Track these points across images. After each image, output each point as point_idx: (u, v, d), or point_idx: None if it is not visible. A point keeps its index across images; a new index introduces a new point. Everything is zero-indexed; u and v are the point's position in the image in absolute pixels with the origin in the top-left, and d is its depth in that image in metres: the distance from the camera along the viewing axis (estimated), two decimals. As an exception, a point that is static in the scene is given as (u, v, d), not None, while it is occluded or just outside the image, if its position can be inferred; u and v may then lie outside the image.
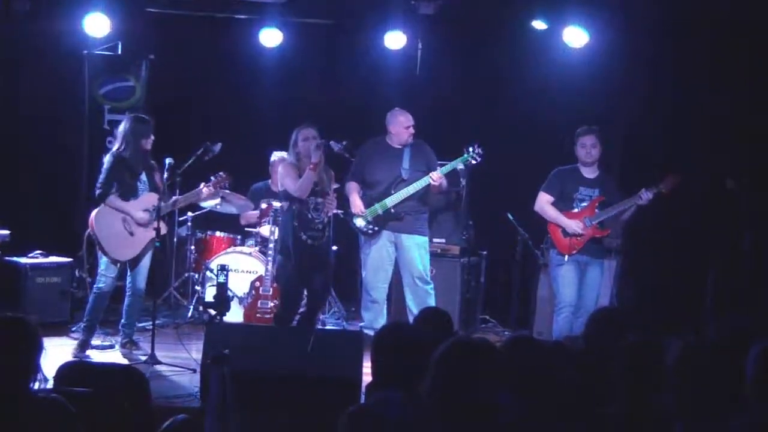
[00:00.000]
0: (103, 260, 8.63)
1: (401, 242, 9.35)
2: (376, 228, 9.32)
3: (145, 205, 8.57)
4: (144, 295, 8.78)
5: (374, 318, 9.34)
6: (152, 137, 8.67)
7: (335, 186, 10.02)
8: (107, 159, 8.58)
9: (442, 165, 9.34)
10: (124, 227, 8.52)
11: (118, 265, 8.59)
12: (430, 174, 9.18)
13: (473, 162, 9.27)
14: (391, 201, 9.26)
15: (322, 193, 8.46)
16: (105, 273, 8.60)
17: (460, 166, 9.35)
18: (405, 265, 9.40)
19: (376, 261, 9.39)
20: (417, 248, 9.35)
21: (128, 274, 8.67)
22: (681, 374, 3.77)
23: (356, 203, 9.31)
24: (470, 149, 9.24)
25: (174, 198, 8.77)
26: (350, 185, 9.44)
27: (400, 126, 9.35)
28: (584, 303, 8.66)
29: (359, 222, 9.33)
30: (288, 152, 8.61)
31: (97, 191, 8.53)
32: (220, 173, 8.84)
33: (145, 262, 8.67)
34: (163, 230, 8.69)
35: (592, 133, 8.74)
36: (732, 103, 10.13)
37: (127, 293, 8.70)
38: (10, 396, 3.81)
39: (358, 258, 10.08)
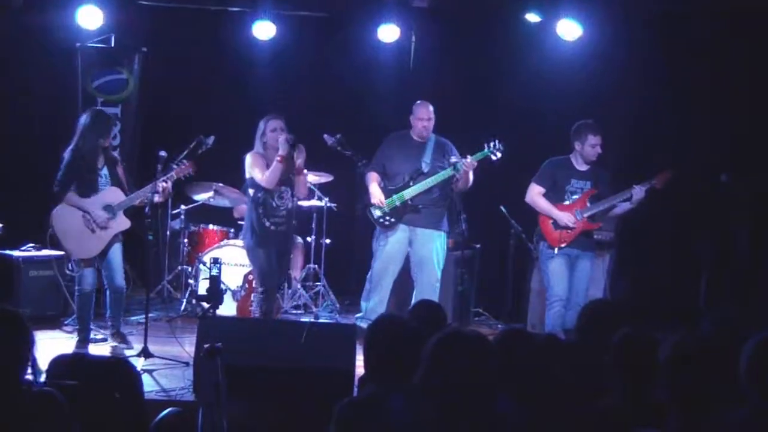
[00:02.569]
0: (74, 260, 8.60)
1: (417, 236, 9.30)
2: (393, 220, 9.26)
3: (107, 200, 8.45)
4: (125, 291, 8.71)
5: (373, 309, 9.23)
6: (113, 134, 8.58)
7: (320, 179, 10.04)
8: (66, 155, 8.45)
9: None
10: (85, 225, 8.40)
11: (82, 265, 8.50)
12: (463, 161, 9.04)
13: (493, 158, 9.19)
14: (409, 193, 9.20)
15: (286, 181, 8.48)
16: (82, 273, 8.52)
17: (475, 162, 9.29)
18: (418, 260, 9.35)
19: (390, 254, 9.33)
20: (433, 244, 9.32)
21: (103, 272, 8.57)
22: (674, 368, 3.77)
23: (376, 194, 9.24)
24: (490, 144, 9.15)
25: (136, 192, 8.52)
26: (371, 175, 9.38)
27: (415, 118, 9.31)
28: (574, 295, 8.66)
29: (377, 212, 9.27)
30: (255, 142, 8.58)
31: (55, 189, 8.42)
32: (183, 161, 8.64)
33: (115, 257, 8.53)
34: (126, 225, 8.52)
35: (601, 133, 8.70)
36: (727, 96, 10.14)
37: (106, 290, 8.62)
38: (1, 389, 3.80)
39: (350, 252, 10.07)
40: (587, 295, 8.73)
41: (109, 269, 8.53)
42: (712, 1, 9.84)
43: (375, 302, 9.34)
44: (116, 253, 8.56)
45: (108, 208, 8.45)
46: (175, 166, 8.55)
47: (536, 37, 10.60)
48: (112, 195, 8.48)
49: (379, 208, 9.24)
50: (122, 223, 8.51)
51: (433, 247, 9.33)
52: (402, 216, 9.27)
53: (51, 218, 8.51)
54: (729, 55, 10.13)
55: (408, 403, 3.94)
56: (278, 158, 8.32)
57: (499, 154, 9.17)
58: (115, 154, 8.69)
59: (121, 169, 8.62)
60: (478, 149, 9.17)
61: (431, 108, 9.36)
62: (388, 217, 9.27)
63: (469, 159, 9.06)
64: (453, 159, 9.10)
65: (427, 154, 9.32)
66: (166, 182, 8.48)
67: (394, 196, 9.24)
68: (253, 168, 8.46)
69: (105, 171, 8.51)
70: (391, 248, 9.33)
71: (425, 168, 9.28)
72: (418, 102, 9.43)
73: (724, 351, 3.81)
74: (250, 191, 8.58)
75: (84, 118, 8.55)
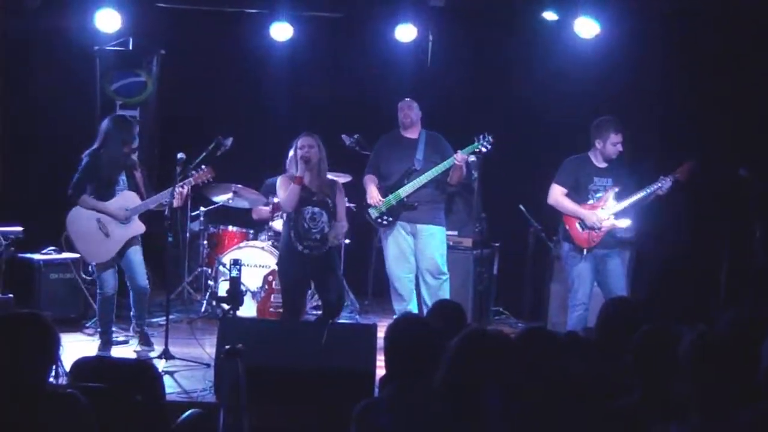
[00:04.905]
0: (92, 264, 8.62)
1: (417, 232, 9.29)
2: (391, 219, 9.26)
3: (122, 204, 8.44)
4: (147, 292, 8.70)
5: (403, 310, 9.22)
6: (136, 141, 8.56)
7: (338, 179, 10.00)
8: (84, 158, 8.44)
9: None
10: (98, 228, 8.40)
11: (99, 269, 8.51)
12: (455, 156, 9.05)
13: (483, 150, 9.16)
14: (404, 191, 9.21)
15: (320, 203, 8.30)
16: (101, 276, 8.54)
17: (471, 158, 9.29)
18: (420, 257, 9.34)
19: (396, 252, 9.33)
20: (432, 239, 9.31)
21: (126, 275, 8.57)
22: (694, 365, 3.76)
23: (372, 194, 9.25)
24: (480, 137, 9.14)
25: (152, 197, 8.51)
26: (367, 178, 9.42)
27: (399, 110, 9.41)
28: (618, 292, 8.31)
29: (374, 213, 9.28)
30: (289, 161, 8.39)
31: (69, 191, 8.39)
32: (203, 167, 8.63)
33: (135, 258, 8.53)
34: (140, 230, 8.51)
35: (623, 131, 8.55)
36: (745, 93, 10.09)
37: (130, 291, 8.63)
38: (25, 391, 3.82)
39: (370, 252, 10.06)
40: (626, 289, 8.59)
41: (130, 270, 8.54)
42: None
43: (403, 303, 9.32)
44: (135, 254, 8.55)
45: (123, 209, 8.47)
46: (194, 172, 8.55)
47: (554, 35, 10.57)
48: (127, 199, 8.48)
49: (376, 208, 9.25)
50: (137, 227, 8.51)
51: (433, 242, 9.33)
52: (399, 214, 9.27)
53: (66, 221, 8.53)
54: (746, 51, 10.07)
55: (421, 394, 3.95)
56: (295, 180, 8.18)
57: (489, 147, 9.10)
58: (134, 157, 8.65)
59: (139, 174, 8.60)
60: (468, 143, 9.16)
61: (416, 105, 9.42)
62: (385, 217, 9.27)
63: (459, 154, 9.06)
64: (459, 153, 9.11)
65: (419, 150, 9.32)
66: (183, 188, 8.48)
67: (390, 196, 9.24)
68: (279, 190, 8.38)
69: (122, 176, 8.50)
70: (394, 247, 9.34)
71: (418, 165, 9.26)
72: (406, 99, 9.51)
73: (744, 346, 3.80)
74: (284, 214, 8.54)
75: (106, 124, 8.54)
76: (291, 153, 8.32)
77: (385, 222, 9.29)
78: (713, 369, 3.72)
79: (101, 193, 8.44)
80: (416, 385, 4.05)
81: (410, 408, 3.96)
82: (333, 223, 8.32)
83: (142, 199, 8.49)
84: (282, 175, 8.45)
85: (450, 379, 3.86)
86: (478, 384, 3.80)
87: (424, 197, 9.25)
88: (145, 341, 8.67)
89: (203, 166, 8.63)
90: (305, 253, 8.29)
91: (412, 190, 9.21)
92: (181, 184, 8.46)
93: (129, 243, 8.51)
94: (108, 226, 8.41)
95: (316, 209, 8.29)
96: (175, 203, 8.43)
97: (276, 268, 9.40)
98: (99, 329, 8.68)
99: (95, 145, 8.46)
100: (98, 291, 8.61)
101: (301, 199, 8.23)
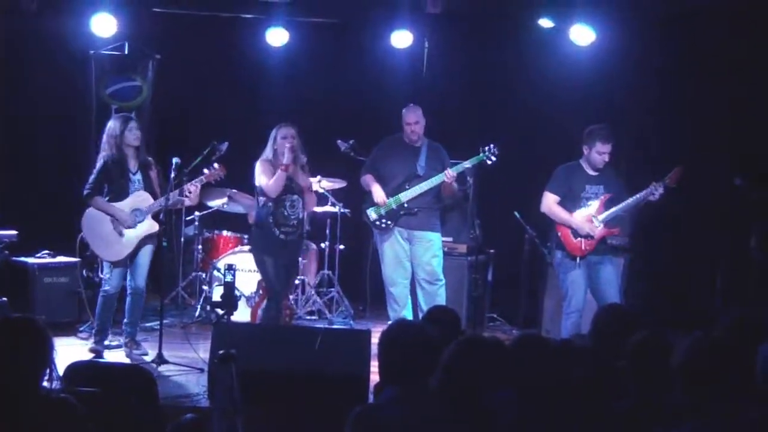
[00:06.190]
0: (106, 263, 8.63)
1: (414, 239, 9.31)
2: (389, 222, 9.27)
3: (136, 204, 8.50)
4: (144, 294, 8.71)
5: (397, 315, 9.25)
6: (137, 132, 8.57)
7: (333, 185, 10.03)
8: (99, 160, 8.51)
9: (454, 164, 9.28)
10: (113, 228, 8.46)
11: (112, 267, 8.55)
12: (445, 171, 9.12)
13: (489, 162, 9.20)
14: (405, 196, 9.21)
15: (298, 191, 8.52)
16: (109, 275, 8.58)
17: (467, 166, 9.30)
18: (416, 263, 9.35)
19: (392, 257, 9.34)
20: (429, 245, 9.32)
21: (128, 273, 8.62)
22: (689, 371, 3.77)
23: (379, 193, 9.24)
24: (486, 149, 9.17)
25: (165, 196, 8.53)
26: (367, 177, 9.41)
27: (404, 122, 9.32)
28: (610, 299, 8.30)
29: (372, 215, 9.28)
30: (267, 148, 8.58)
31: (85, 191, 8.47)
32: (213, 165, 8.70)
33: (143, 260, 8.60)
34: (154, 228, 8.54)
35: (611, 142, 8.53)
36: (741, 99, 10.10)
37: (128, 292, 8.64)
38: (18, 396, 3.82)
39: (365, 257, 10.04)
40: (619, 295, 8.59)
41: (134, 270, 8.59)
42: (725, 5, 9.80)
43: (397, 308, 9.33)
44: (145, 254, 8.62)
45: (137, 212, 8.50)
46: (206, 170, 8.63)
47: (549, 42, 10.58)
48: (141, 199, 8.54)
49: (376, 210, 9.25)
50: (151, 226, 8.56)
51: (430, 249, 9.34)
52: (398, 219, 9.28)
53: (81, 222, 8.57)
54: (744, 57, 10.08)
55: (415, 400, 3.95)
56: (282, 167, 8.35)
57: (494, 158, 9.17)
58: (149, 157, 8.71)
59: (154, 173, 8.69)
60: (473, 154, 9.18)
61: (420, 112, 9.36)
62: (384, 220, 9.28)
63: (449, 171, 9.11)
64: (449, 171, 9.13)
65: (422, 157, 9.33)
66: (195, 186, 8.55)
67: (390, 199, 9.24)
68: (260, 176, 8.48)
69: (138, 176, 8.58)
70: (390, 252, 9.35)
71: (420, 171, 9.28)
72: (410, 105, 9.44)
73: (738, 353, 3.81)
74: (261, 199, 8.57)
75: (109, 125, 8.59)
76: (271, 142, 8.54)
77: (383, 225, 9.28)
78: (710, 373, 3.72)
79: (115, 192, 8.50)
80: (412, 391, 4.05)
81: (406, 414, 3.95)
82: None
83: (155, 198, 8.53)
84: (261, 159, 8.56)
85: (446, 385, 3.86)
86: (474, 390, 3.81)
87: (423, 204, 9.26)
88: (137, 347, 8.66)
89: (215, 165, 8.71)
90: (281, 238, 8.48)
91: (413, 196, 9.22)
92: (193, 182, 8.57)
93: (143, 242, 8.58)
94: (121, 227, 8.47)
95: (295, 197, 8.54)
96: (188, 202, 8.71)
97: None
98: (95, 327, 8.67)
99: (104, 148, 8.52)
100: (102, 288, 8.64)
101: (284, 187, 8.45)
